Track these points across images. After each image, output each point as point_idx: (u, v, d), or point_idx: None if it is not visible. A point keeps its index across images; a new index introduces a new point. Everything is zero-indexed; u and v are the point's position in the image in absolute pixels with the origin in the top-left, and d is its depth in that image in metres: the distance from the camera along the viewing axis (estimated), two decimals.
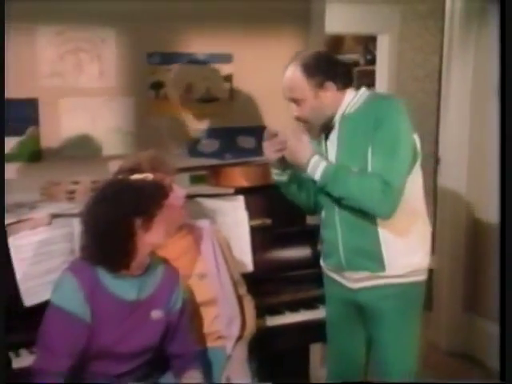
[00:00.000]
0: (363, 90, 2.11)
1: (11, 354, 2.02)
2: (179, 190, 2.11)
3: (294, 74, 2.05)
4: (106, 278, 1.86)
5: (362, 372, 2.31)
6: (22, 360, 2.00)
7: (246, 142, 3.14)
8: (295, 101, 2.07)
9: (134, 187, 1.86)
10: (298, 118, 2.10)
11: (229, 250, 2.29)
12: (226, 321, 2.13)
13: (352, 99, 2.08)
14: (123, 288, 1.87)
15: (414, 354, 2.16)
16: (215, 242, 2.21)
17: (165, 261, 2.00)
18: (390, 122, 1.99)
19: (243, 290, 2.26)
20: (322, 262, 2.27)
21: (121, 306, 1.86)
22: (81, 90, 2.80)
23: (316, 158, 2.02)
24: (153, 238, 1.86)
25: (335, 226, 2.11)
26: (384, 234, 2.04)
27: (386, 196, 1.95)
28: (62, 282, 1.85)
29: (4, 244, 1.82)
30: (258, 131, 3.13)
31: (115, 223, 1.80)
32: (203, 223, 2.25)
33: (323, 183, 2.01)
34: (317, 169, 2.01)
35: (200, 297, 2.11)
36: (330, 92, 2.05)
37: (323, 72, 2.04)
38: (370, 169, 1.99)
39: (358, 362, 2.28)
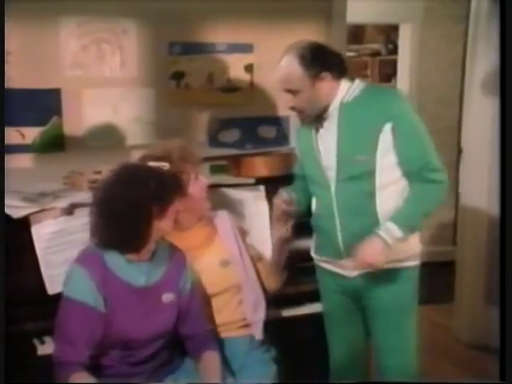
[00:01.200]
0: (358, 81, 2.13)
1: (36, 341, 2.05)
2: (203, 180, 2.12)
3: (290, 65, 2.06)
4: (115, 266, 1.88)
5: (365, 365, 2.31)
6: (47, 347, 2.03)
7: (267, 131, 3.13)
8: (291, 92, 2.08)
9: (155, 173, 1.88)
10: (294, 108, 2.12)
11: (246, 236, 2.30)
12: (251, 306, 2.14)
13: (349, 88, 2.10)
14: (132, 274, 1.89)
15: (412, 341, 2.17)
16: (235, 229, 2.23)
17: (170, 245, 2.02)
18: (404, 113, 2.05)
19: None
20: (314, 255, 2.28)
21: (131, 292, 1.89)
22: (103, 80, 2.82)
23: (382, 241, 1.99)
24: (164, 225, 1.89)
25: (332, 215, 2.11)
26: (384, 217, 2.05)
27: (441, 183, 2.05)
28: (71, 273, 1.88)
29: (4, 237, 1.84)
30: (278, 121, 3.14)
31: (134, 206, 1.82)
32: (221, 213, 2.26)
33: (406, 234, 2.02)
34: (393, 236, 2.00)
35: (224, 284, 2.12)
36: (326, 82, 2.07)
37: (319, 62, 2.06)
38: (400, 160, 2.03)
39: (359, 354, 2.28)
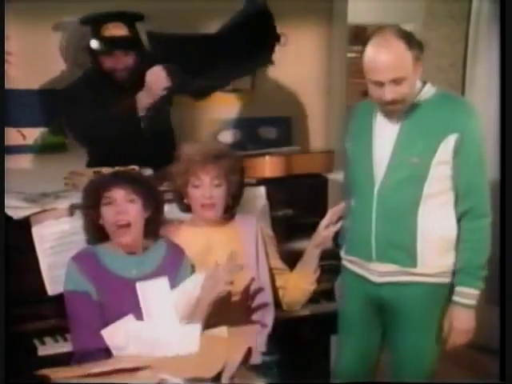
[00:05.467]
0: (430, 85, 2.01)
1: (36, 342, 2.06)
2: (205, 189, 2.09)
3: (396, 49, 1.85)
4: (108, 261, 1.96)
5: (373, 370, 2.24)
6: (47, 348, 2.04)
7: (268, 132, 3.14)
8: (396, 81, 1.87)
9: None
10: (395, 101, 1.91)
11: (273, 245, 2.26)
12: (257, 315, 2.10)
13: (421, 89, 1.98)
14: (122, 266, 1.96)
15: (432, 357, 2.11)
16: (259, 236, 2.18)
17: (168, 241, 2.07)
18: (473, 129, 1.97)
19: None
20: (343, 255, 2.21)
21: (123, 283, 1.94)
22: None
23: (465, 308, 2.00)
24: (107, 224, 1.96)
25: (370, 214, 2.03)
26: (423, 228, 1.99)
27: (488, 216, 2.02)
28: (67, 270, 1.97)
29: (4, 236, 1.84)
30: (279, 122, 3.14)
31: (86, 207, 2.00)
32: (248, 217, 2.24)
33: (482, 285, 2.04)
34: (474, 294, 2.01)
35: (233, 288, 2.04)
36: (420, 64, 1.90)
37: (419, 42, 1.90)
38: (459, 187, 1.98)
39: (370, 361, 2.21)
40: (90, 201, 1.98)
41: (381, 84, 1.89)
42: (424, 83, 2.01)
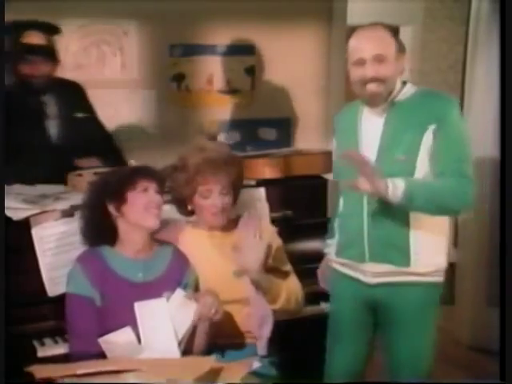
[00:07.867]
0: (411, 85, 2.08)
1: (36, 343, 2.06)
2: (215, 199, 2.05)
3: (380, 31, 2.00)
4: (114, 263, 1.96)
5: (362, 373, 2.23)
6: (47, 349, 2.04)
7: (268, 133, 3.14)
8: (379, 58, 1.97)
9: (114, 173, 2.01)
10: (375, 79, 1.98)
11: (278, 248, 2.20)
12: (258, 321, 2.09)
13: (401, 88, 2.05)
14: (130, 270, 1.96)
15: (428, 357, 2.11)
16: (257, 239, 2.12)
17: (174, 248, 2.06)
18: (450, 118, 1.98)
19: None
20: (334, 257, 2.19)
21: (131, 287, 1.93)
22: (104, 82, 2.83)
23: (391, 182, 1.91)
24: (126, 219, 1.95)
25: (361, 214, 2.04)
26: (415, 227, 2.00)
27: (467, 190, 1.96)
28: (70, 271, 1.97)
29: (4, 237, 1.84)
30: (279, 123, 3.15)
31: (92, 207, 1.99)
32: (251, 220, 2.19)
33: (404, 203, 1.94)
34: (396, 191, 1.92)
35: (234, 295, 2.06)
36: (404, 60, 2.03)
37: (402, 44, 2.05)
38: (432, 160, 1.97)
39: (361, 362, 2.20)
40: (112, 192, 1.94)
41: (363, 62, 1.99)
42: (404, 83, 2.07)
